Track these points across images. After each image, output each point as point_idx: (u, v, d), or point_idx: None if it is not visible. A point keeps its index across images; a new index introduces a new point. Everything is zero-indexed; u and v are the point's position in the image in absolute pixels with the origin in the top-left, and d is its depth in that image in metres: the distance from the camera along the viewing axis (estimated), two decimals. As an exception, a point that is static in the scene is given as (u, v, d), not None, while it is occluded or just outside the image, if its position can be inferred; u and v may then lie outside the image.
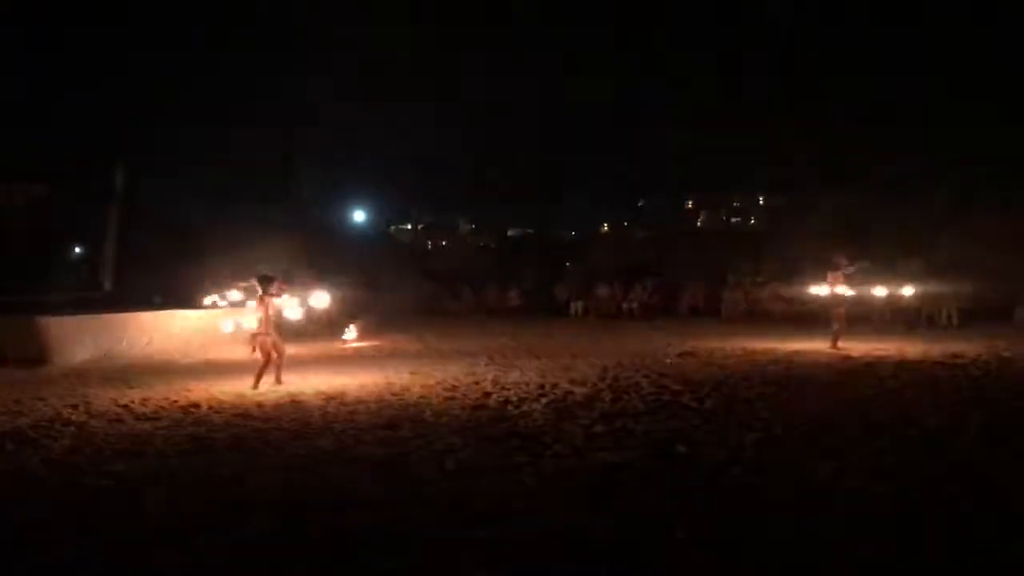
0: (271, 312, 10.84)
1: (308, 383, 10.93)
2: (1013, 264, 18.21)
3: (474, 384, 10.54)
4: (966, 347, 13.39)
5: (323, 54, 27.84)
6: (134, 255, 23.91)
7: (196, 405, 9.34)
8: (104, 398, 9.93)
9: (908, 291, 18.42)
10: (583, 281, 25.59)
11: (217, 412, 8.91)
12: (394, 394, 9.87)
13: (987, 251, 18.86)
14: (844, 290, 14.28)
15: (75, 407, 9.30)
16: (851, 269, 14.35)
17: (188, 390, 10.48)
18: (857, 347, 13.84)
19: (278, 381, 10.74)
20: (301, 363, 13.19)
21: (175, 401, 9.63)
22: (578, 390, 9.88)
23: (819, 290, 14.92)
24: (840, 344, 13.92)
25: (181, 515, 5.24)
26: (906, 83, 23.18)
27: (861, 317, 18.53)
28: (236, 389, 10.46)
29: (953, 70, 23.05)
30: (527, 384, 10.45)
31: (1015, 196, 20.30)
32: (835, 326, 14.29)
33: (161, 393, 10.28)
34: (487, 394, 9.73)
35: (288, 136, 27.84)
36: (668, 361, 12.55)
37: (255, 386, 10.46)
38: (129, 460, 6.79)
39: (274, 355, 10.77)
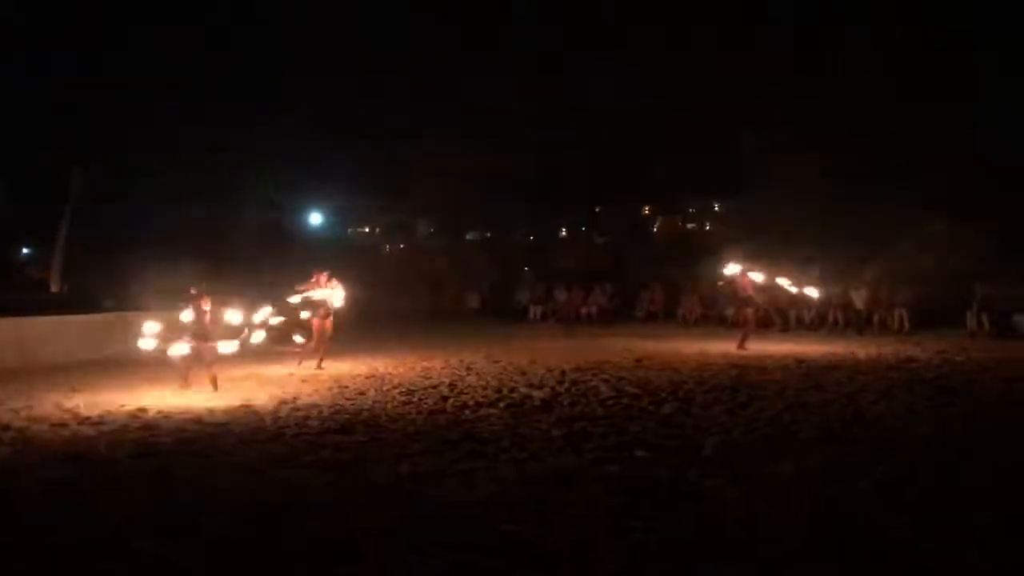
0: (206, 317, 10.58)
1: (260, 388, 10.72)
2: (962, 270, 18.54)
3: (431, 388, 10.42)
4: (918, 352, 13.58)
5: (282, 54, 27.65)
6: (86, 257, 23.35)
7: (144, 410, 9.08)
8: (47, 402, 9.62)
9: (860, 295, 18.74)
10: (542, 285, 25.55)
11: (166, 417, 8.68)
12: (348, 399, 9.71)
13: (937, 257, 19.20)
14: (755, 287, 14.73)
15: (16, 412, 8.98)
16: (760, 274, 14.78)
17: (137, 394, 10.20)
18: (811, 351, 13.97)
19: (188, 385, 10.47)
20: (253, 367, 12.95)
21: (122, 405, 9.35)
22: (536, 394, 9.81)
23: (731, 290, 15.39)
24: (747, 345, 14.26)
25: (125, 523, 5.06)
26: (860, 90, 23.53)
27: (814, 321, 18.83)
28: (185, 394, 10.20)
29: (906, 79, 23.47)
30: (485, 388, 10.35)
31: (964, 204, 20.67)
32: (744, 327, 14.85)
33: (108, 397, 9.99)
34: (444, 398, 9.62)
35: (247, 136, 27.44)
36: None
37: (215, 389, 10.26)
38: (72, 466, 6.56)
39: (207, 357, 10.52)
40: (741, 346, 14.36)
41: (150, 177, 25.19)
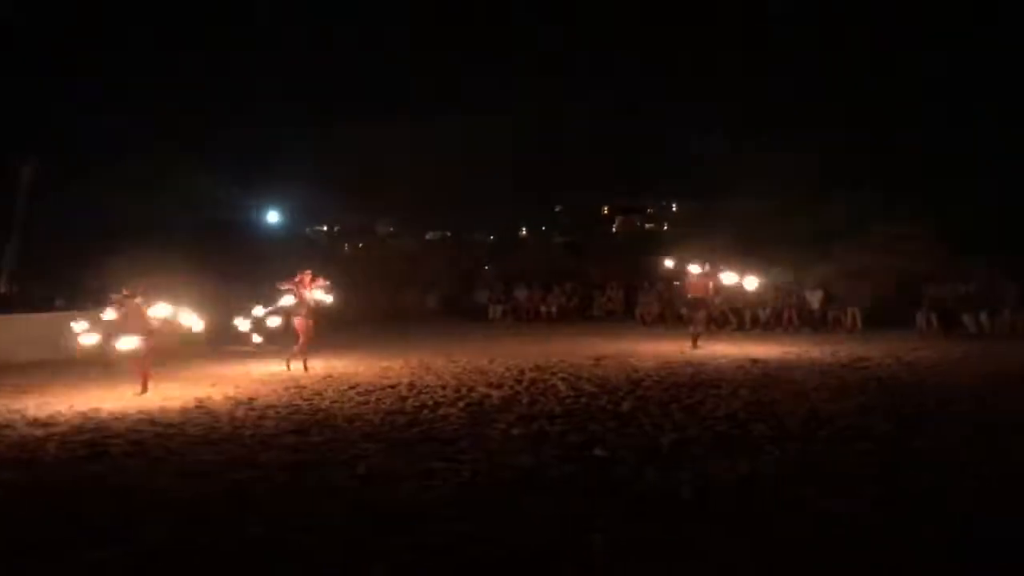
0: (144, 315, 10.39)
1: (216, 388, 10.58)
2: (912, 271, 18.90)
3: (389, 388, 10.36)
4: (870, 351, 13.79)
5: (239, 53, 27.37)
6: (38, 256, 22.84)
7: (96, 410, 8.93)
8: (-5, 404, 9.41)
9: (815, 295, 19.02)
10: (502, 284, 25.56)
11: (118, 418, 8.53)
12: (305, 399, 9.61)
13: (886, 257, 19.55)
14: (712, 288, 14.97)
15: (-38, 414, 8.77)
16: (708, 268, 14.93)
17: (88, 395, 10.01)
18: (766, 350, 14.14)
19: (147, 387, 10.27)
20: (209, 368, 12.80)
21: (72, 406, 9.18)
22: (495, 393, 9.80)
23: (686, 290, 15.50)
24: (700, 344, 14.41)
25: (76, 525, 4.96)
26: (807, 89, 23.98)
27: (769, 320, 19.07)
28: (140, 394, 10.03)
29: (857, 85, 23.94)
30: (444, 388, 10.32)
31: (915, 205, 21.10)
32: (696, 327, 14.92)
33: (58, 398, 9.81)
34: (402, 398, 9.57)
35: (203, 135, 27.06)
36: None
37: (143, 391, 10.11)
38: (20, 468, 6.43)
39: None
40: (694, 345, 14.49)
41: (102, 176, 24.73)
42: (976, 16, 23.10)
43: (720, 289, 15.33)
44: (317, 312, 12.41)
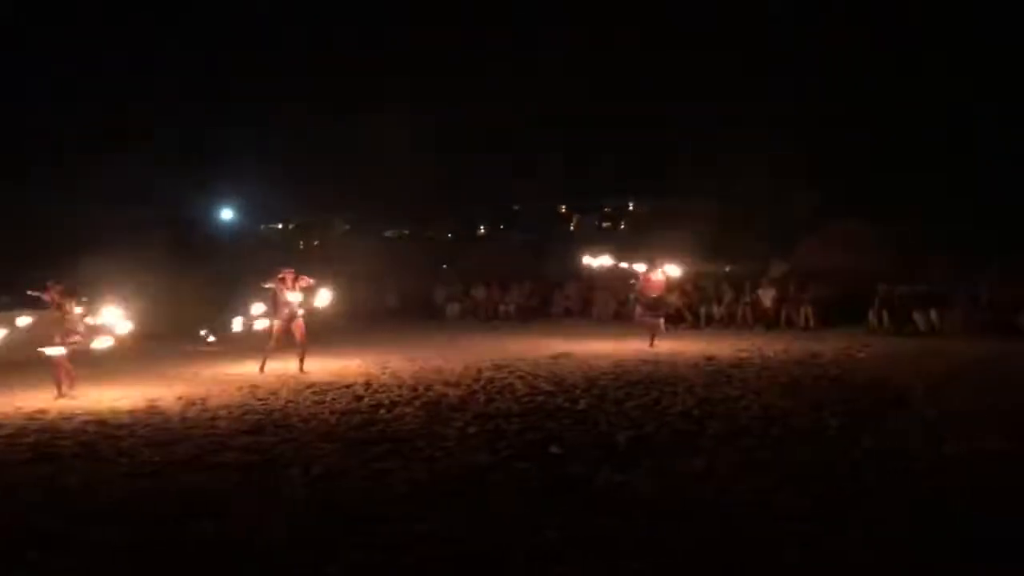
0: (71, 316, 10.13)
1: (168, 388, 10.40)
2: (865, 269, 19.21)
3: (345, 388, 10.27)
4: (824, 348, 13.99)
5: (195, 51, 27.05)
6: None
7: (43, 411, 8.75)
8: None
9: (768, 293, 19.25)
10: (460, 283, 25.49)
11: (67, 419, 8.36)
12: (259, 399, 9.49)
13: (843, 256, 19.86)
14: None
15: (-99, 416, 8.52)
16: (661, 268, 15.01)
17: (34, 396, 9.78)
18: (720, 348, 14.27)
19: (69, 388, 9.93)
20: (161, 368, 12.59)
21: (19, 407, 8.98)
22: (452, 392, 9.78)
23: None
24: (657, 343, 14.50)
25: (21, 528, 4.85)
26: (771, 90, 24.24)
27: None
28: (89, 395, 9.82)
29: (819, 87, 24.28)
30: (400, 387, 10.27)
31: (872, 204, 21.48)
32: (652, 326, 14.98)
33: (3, 399, 9.56)
34: (358, 398, 9.50)
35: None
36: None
37: (62, 394, 9.78)
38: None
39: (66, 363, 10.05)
40: (651, 344, 14.56)
41: (49, 176, 24.28)
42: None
43: (673, 287, 15.36)
44: (295, 313, 11.93)
